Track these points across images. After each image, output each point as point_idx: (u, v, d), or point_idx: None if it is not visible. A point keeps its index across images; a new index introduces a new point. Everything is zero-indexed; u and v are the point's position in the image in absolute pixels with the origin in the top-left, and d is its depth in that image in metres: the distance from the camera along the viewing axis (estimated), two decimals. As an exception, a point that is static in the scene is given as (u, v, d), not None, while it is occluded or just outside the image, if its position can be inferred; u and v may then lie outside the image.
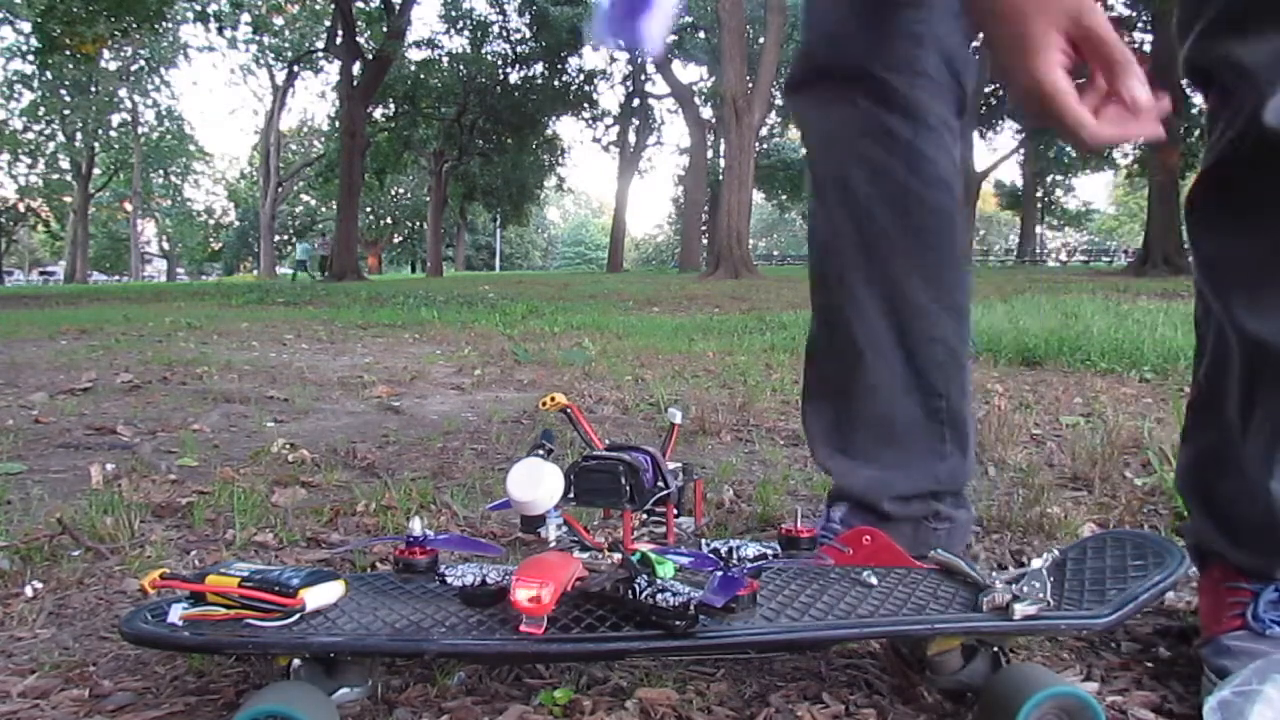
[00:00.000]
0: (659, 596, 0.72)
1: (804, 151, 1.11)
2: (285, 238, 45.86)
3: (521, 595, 0.72)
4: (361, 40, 21.04)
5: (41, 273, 48.10)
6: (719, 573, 0.74)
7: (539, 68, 30.13)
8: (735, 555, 0.84)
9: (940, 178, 1.00)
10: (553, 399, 0.89)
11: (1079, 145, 0.71)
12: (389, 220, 45.48)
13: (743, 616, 0.73)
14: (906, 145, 0.98)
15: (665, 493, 0.87)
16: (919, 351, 1.02)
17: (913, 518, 1.05)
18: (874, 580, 0.81)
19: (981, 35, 0.77)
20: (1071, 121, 0.70)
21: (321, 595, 0.76)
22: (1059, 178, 36.56)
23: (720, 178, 20.21)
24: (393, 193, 42.20)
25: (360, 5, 21.48)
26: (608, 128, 34.14)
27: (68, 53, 16.47)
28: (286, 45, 32.75)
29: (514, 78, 30.35)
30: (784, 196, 36.87)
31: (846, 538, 0.91)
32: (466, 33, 30.41)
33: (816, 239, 1.08)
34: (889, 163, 0.99)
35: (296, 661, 0.74)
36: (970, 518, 1.12)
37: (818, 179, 1.06)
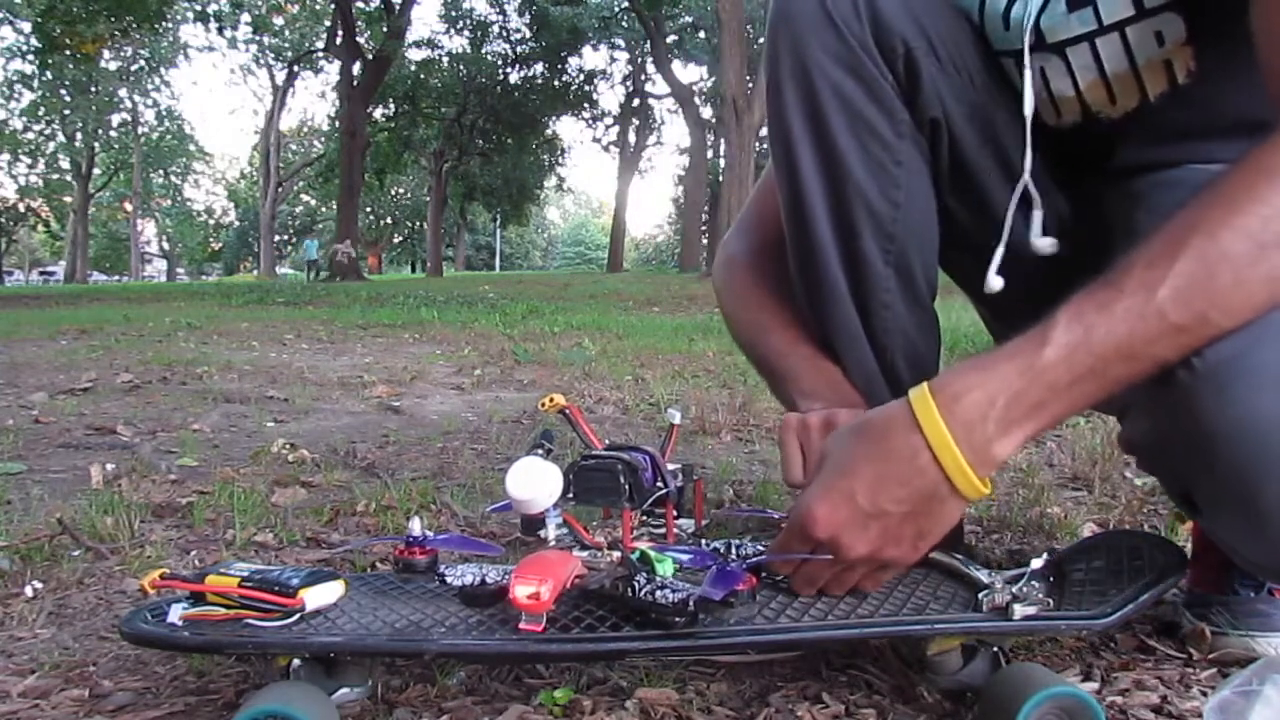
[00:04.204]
0: (658, 594, 0.72)
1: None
2: (285, 238, 45.92)
3: (521, 593, 0.72)
4: (361, 40, 21.04)
5: (41, 273, 48.09)
6: (716, 567, 0.74)
7: (539, 68, 30.14)
8: (735, 553, 0.84)
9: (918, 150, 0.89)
10: (551, 400, 0.89)
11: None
12: (389, 220, 45.49)
13: (742, 612, 0.73)
14: (889, 96, 0.87)
15: (664, 492, 0.87)
16: (869, 311, 0.92)
17: None
18: (874, 580, 0.81)
19: None
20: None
21: (321, 595, 0.76)
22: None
23: (720, 178, 20.20)
24: (393, 193, 42.21)
25: (360, 5, 21.48)
26: (608, 128, 34.18)
27: (68, 53, 16.47)
28: (286, 45, 32.77)
29: (514, 78, 30.37)
30: (784, 196, 36.81)
31: None
32: (466, 33, 30.43)
33: (788, 170, 0.92)
34: (868, 110, 0.87)
35: (296, 661, 0.74)
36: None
37: (787, 109, 0.89)
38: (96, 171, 37.67)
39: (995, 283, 0.89)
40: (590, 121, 33.72)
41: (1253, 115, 0.71)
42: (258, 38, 30.91)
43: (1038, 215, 0.88)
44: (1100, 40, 0.86)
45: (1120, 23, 0.84)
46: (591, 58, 37.38)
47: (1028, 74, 0.87)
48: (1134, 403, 0.69)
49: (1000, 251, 0.88)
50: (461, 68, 29.82)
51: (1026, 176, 0.87)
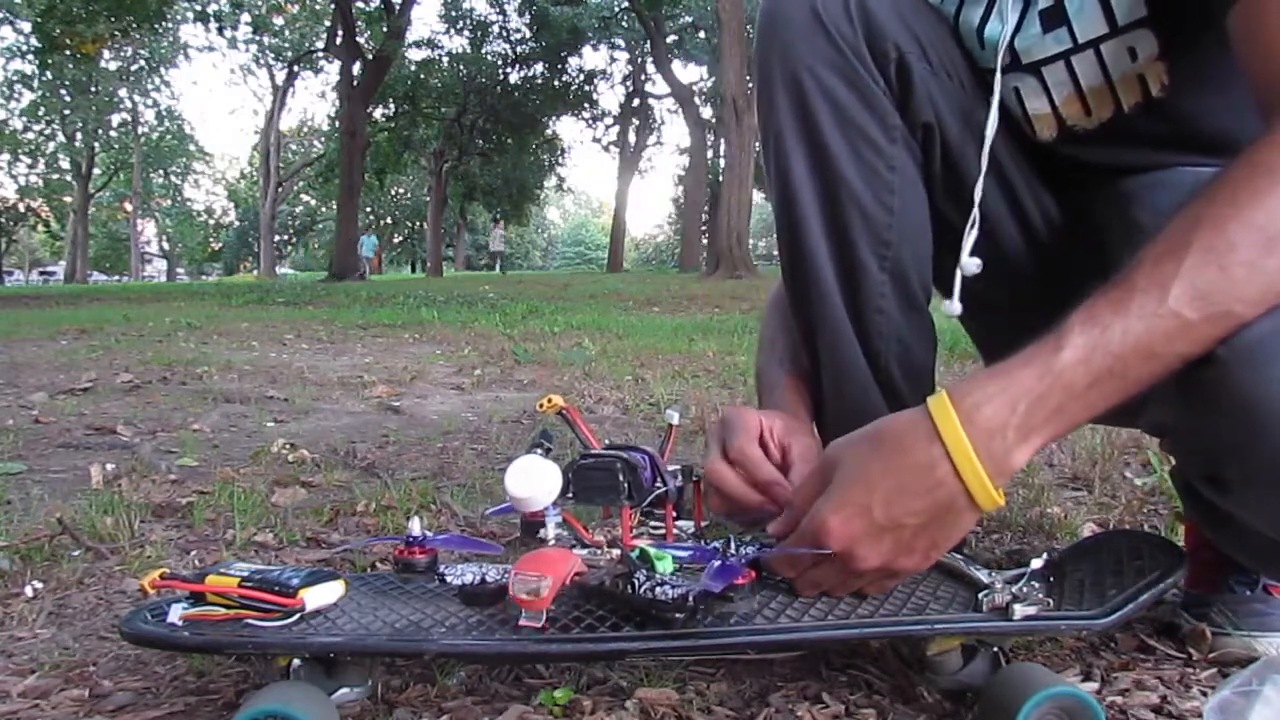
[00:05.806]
0: (658, 591, 0.72)
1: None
2: (285, 238, 45.94)
3: (520, 590, 0.72)
4: (361, 40, 21.03)
5: (41, 273, 48.08)
6: (716, 561, 0.74)
7: (539, 68, 30.14)
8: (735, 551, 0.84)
9: (908, 145, 0.89)
10: (550, 401, 0.89)
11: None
12: (389, 220, 45.51)
13: (742, 608, 0.73)
14: (878, 99, 0.87)
15: (663, 491, 0.87)
16: (864, 317, 0.92)
17: None
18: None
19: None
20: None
21: (321, 595, 0.76)
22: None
23: (720, 178, 20.20)
24: (393, 193, 42.21)
25: (360, 5, 21.47)
26: (608, 128, 34.16)
27: (68, 53, 16.49)
28: (286, 45, 32.77)
29: (514, 78, 30.38)
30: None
31: None
32: (466, 33, 30.43)
33: (779, 176, 0.91)
34: (861, 116, 0.87)
35: (296, 661, 0.74)
36: None
37: (779, 115, 0.88)
38: (96, 171, 37.65)
39: (970, 265, 0.89)
40: (590, 121, 33.71)
41: (1228, 131, 0.71)
42: (258, 38, 30.91)
43: (970, 236, 0.88)
44: (1075, 58, 0.86)
45: (1095, 40, 0.84)
46: (591, 58, 37.38)
47: (995, 98, 0.87)
48: (1159, 389, 0.67)
49: (973, 235, 0.89)
50: (461, 68, 29.82)
51: (978, 193, 0.89)
